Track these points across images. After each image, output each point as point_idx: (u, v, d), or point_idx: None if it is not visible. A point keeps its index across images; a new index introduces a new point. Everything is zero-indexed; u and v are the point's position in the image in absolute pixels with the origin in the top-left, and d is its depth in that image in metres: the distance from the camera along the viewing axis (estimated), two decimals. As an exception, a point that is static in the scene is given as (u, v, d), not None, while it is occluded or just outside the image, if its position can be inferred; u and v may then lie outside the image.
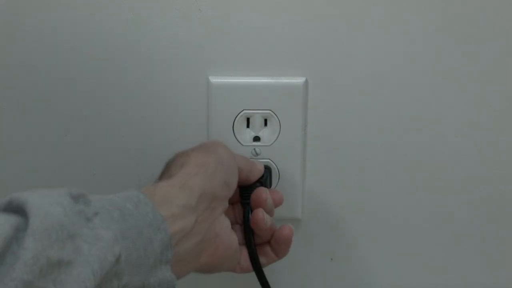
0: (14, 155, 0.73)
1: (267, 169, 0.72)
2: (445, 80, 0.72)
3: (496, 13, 0.70)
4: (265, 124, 0.73)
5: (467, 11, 0.70)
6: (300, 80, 0.72)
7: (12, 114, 0.72)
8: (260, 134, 0.73)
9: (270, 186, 0.73)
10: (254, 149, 0.73)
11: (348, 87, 0.72)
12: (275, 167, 0.73)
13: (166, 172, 0.62)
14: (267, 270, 0.67)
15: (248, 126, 0.73)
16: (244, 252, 0.66)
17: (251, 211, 0.66)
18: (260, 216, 0.65)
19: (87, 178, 0.74)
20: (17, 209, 0.46)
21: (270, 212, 0.67)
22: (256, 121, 0.72)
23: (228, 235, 0.63)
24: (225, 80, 0.72)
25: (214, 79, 0.71)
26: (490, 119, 0.73)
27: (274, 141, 0.73)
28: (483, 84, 0.72)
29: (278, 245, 0.67)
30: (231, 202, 0.67)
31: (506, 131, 0.74)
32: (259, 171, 0.68)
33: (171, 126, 0.73)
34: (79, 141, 0.73)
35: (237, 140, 0.73)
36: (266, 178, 0.72)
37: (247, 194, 0.68)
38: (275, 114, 0.72)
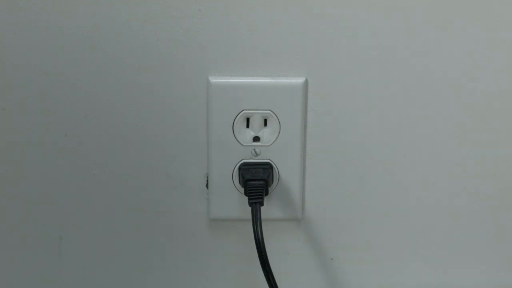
0: (14, 155, 0.73)
1: (269, 166, 0.72)
2: (445, 80, 0.72)
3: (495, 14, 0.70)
4: (265, 124, 0.73)
5: (468, 12, 0.70)
6: (300, 80, 0.72)
7: (12, 114, 0.72)
8: (260, 134, 0.73)
9: (272, 183, 0.73)
10: (254, 149, 0.73)
11: (348, 87, 0.72)
12: (275, 167, 0.73)
13: None
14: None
15: (248, 126, 0.73)
16: None
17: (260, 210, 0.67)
18: None
19: (87, 178, 0.74)
20: None
21: None
22: (256, 121, 0.72)
23: None
24: (225, 80, 0.71)
25: (213, 79, 0.71)
26: (491, 118, 0.73)
27: (274, 141, 0.73)
28: (484, 83, 0.72)
29: None
30: None
31: (507, 130, 0.74)
32: None
33: (171, 126, 0.73)
34: (79, 141, 0.73)
35: (237, 140, 0.73)
36: (269, 174, 0.72)
37: (254, 192, 0.69)
38: (275, 114, 0.72)
